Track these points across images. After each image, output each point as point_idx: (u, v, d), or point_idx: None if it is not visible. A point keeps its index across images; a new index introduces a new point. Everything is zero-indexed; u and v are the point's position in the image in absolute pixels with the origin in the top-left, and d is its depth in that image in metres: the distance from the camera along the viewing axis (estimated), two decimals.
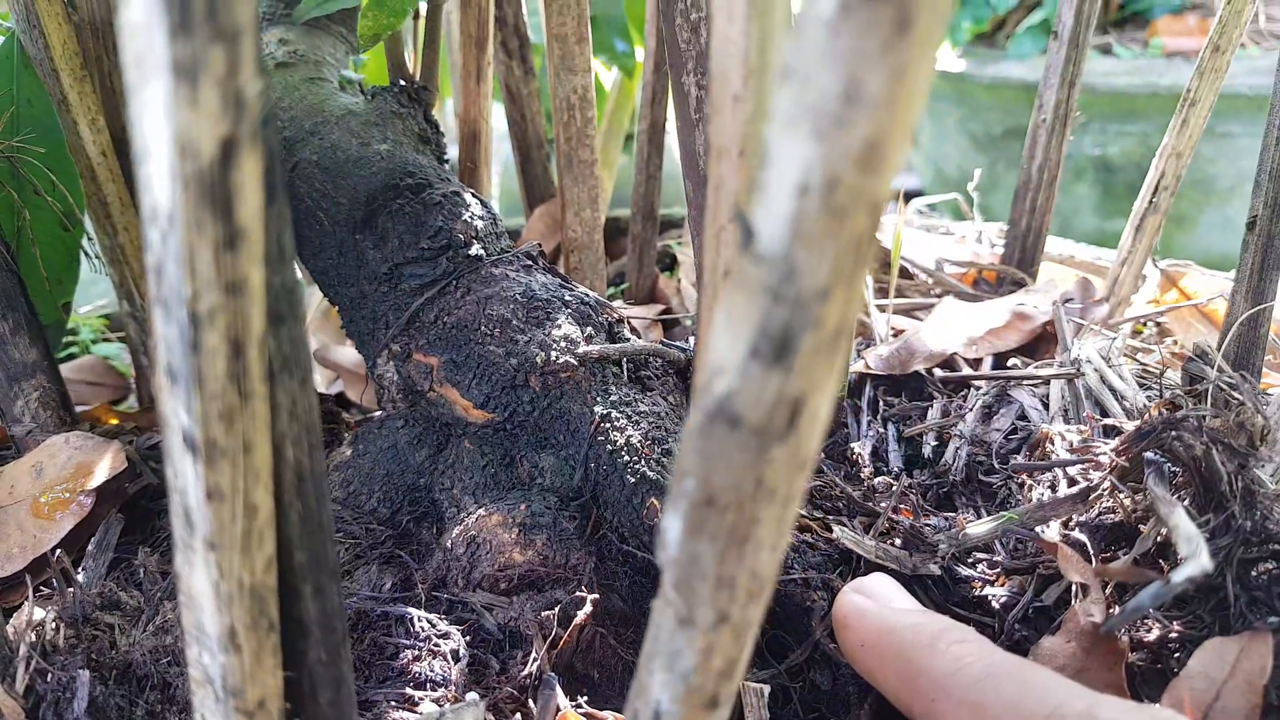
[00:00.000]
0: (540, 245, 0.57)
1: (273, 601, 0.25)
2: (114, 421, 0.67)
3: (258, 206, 0.19)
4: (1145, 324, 0.76)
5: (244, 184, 0.19)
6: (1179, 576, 0.28)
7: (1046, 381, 0.56)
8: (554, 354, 0.49)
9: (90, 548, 0.47)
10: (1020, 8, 2.17)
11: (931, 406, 0.57)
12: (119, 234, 0.62)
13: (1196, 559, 0.29)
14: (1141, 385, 0.54)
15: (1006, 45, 2.08)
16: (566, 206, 0.70)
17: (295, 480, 0.25)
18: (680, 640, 0.23)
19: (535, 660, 0.40)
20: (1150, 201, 0.68)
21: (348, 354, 0.77)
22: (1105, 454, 0.42)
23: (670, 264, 0.96)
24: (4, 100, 0.55)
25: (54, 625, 0.40)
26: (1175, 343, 0.74)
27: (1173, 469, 0.39)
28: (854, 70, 0.16)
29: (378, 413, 0.59)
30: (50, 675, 0.38)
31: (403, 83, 0.59)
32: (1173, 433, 0.38)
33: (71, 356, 0.77)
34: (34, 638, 0.39)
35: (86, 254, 0.59)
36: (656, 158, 0.79)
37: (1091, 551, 0.41)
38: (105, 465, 0.50)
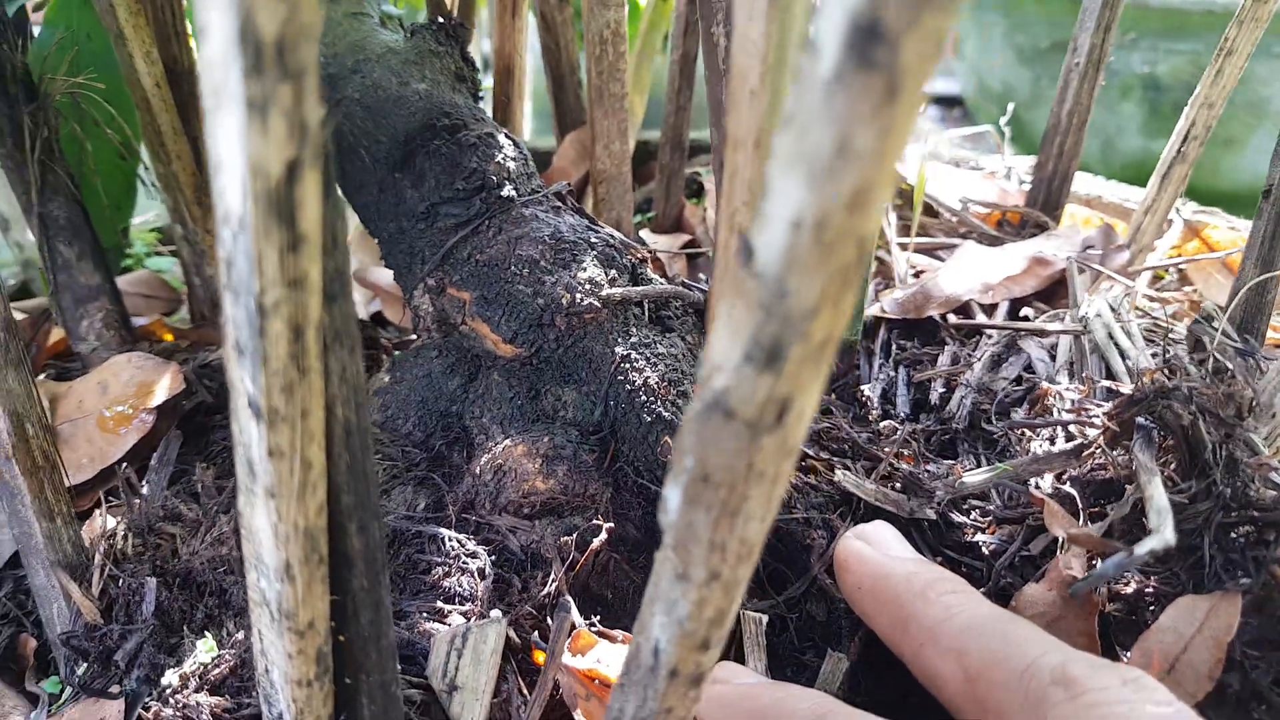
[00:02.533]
0: (570, 185, 0.58)
1: (323, 539, 0.28)
2: (169, 338, 0.70)
3: (317, 215, 0.22)
4: (1166, 271, 0.76)
5: (306, 198, 0.21)
6: (1142, 549, 0.31)
7: (1055, 335, 0.57)
8: (579, 296, 0.51)
9: (152, 462, 0.51)
10: None
11: (942, 353, 0.59)
12: (172, 161, 0.64)
13: (1161, 533, 0.31)
14: (1149, 341, 0.56)
15: None
16: (596, 139, 0.71)
17: (344, 435, 0.28)
18: (677, 591, 0.26)
19: (554, 581, 0.44)
20: (1179, 150, 0.68)
21: (385, 275, 0.80)
22: (1100, 416, 0.44)
23: (698, 191, 0.97)
24: (65, 38, 0.57)
25: (123, 535, 0.44)
26: (1195, 291, 0.74)
27: (1162, 434, 0.41)
28: (846, 128, 0.17)
29: (413, 338, 0.62)
30: (121, 580, 0.42)
31: (440, 19, 0.59)
32: (1163, 401, 0.40)
33: (126, 270, 0.80)
34: (106, 546, 0.43)
35: (143, 181, 0.62)
36: (687, 89, 0.79)
37: (1080, 505, 0.43)
38: (165, 384, 0.54)
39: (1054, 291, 0.70)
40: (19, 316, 0.71)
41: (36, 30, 0.60)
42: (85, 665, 0.40)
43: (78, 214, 0.57)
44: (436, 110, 0.55)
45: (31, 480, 0.40)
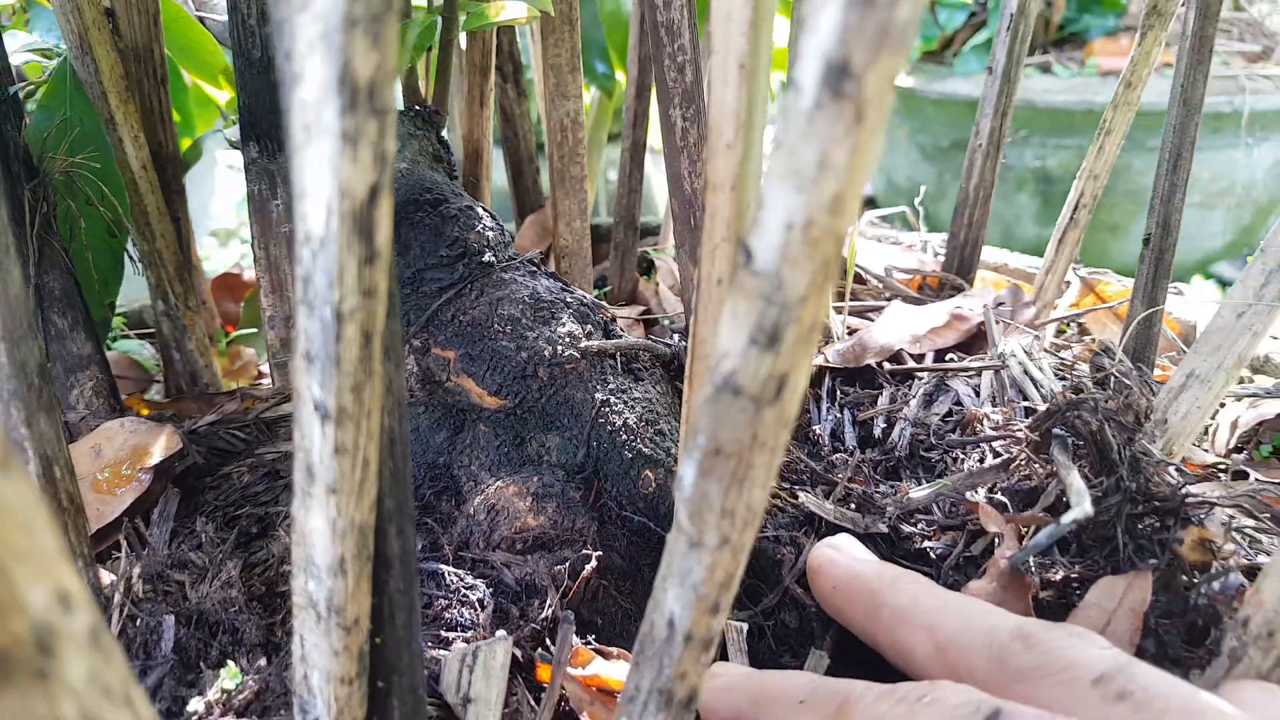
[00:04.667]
0: (542, 254, 0.63)
1: (371, 538, 0.31)
2: (146, 412, 0.72)
3: (388, 234, 0.26)
4: (1067, 325, 0.84)
5: (382, 218, 0.25)
6: (1067, 519, 0.36)
7: (978, 373, 0.63)
8: (560, 348, 0.55)
9: (154, 516, 0.53)
10: (966, 27, 2.27)
11: (881, 394, 0.64)
12: (157, 239, 0.67)
13: (1081, 506, 0.36)
14: (1058, 376, 0.62)
15: (953, 63, 2.17)
16: (559, 217, 0.76)
17: (389, 442, 0.31)
18: (691, 560, 0.30)
19: (550, 606, 0.47)
20: (1071, 218, 0.76)
21: None
22: (1022, 431, 0.50)
23: (647, 268, 1.03)
24: (59, 121, 0.60)
25: (135, 579, 0.46)
26: (1093, 340, 0.82)
27: (1075, 442, 0.47)
28: (825, 147, 0.22)
29: None
30: (139, 620, 0.44)
31: (417, 106, 0.64)
32: (1074, 412, 0.46)
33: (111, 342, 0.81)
34: (124, 588, 0.44)
35: (131, 257, 0.64)
36: (638, 173, 0.86)
37: (1010, 510, 0.48)
38: (161, 446, 0.56)
39: (971, 343, 0.77)
40: None
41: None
42: None
43: (71, 286, 0.59)
44: (418, 186, 0.60)
45: (57, 522, 0.41)
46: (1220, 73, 1.94)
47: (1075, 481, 0.39)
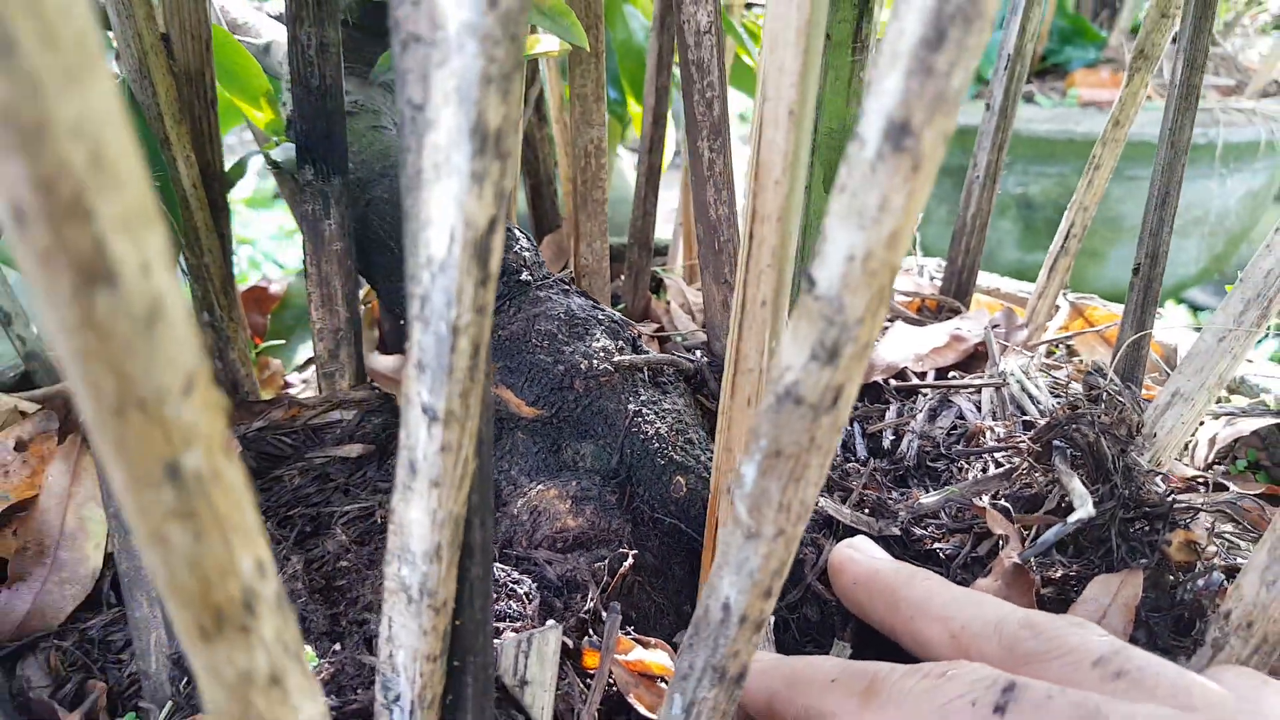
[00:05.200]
0: (572, 274, 0.67)
1: (461, 528, 0.35)
2: None
3: (499, 260, 0.29)
4: (1057, 346, 0.89)
5: (496, 246, 0.29)
6: (1072, 519, 0.40)
7: (979, 390, 0.67)
8: (595, 362, 0.59)
9: None
10: None
11: (889, 409, 0.68)
12: (205, 254, 0.70)
13: (1085, 508, 0.40)
14: (1053, 393, 0.67)
15: None
16: (580, 238, 0.80)
17: (477, 445, 0.35)
18: (748, 550, 0.33)
19: (591, 600, 0.50)
20: (1062, 246, 0.81)
21: (384, 361, 0.86)
22: (1024, 442, 0.54)
23: (657, 287, 1.07)
24: None
25: None
26: (1081, 360, 0.87)
27: (1073, 453, 0.51)
28: (885, 192, 0.26)
29: None
30: None
31: None
32: (1073, 425, 0.50)
33: None
34: None
35: (183, 271, 0.68)
36: (653, 196, 0.90)
37: (1013, 515, 0.52)
38: None
39: (970, 363, 0.81)
40: (29, 407, 0.74)
41: None
42: (188, 681, 0.44)
43: None
44: None
45: None
46: None
47: (1077, 486, 0.43)
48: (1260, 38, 2.38)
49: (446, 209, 0.28)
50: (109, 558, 0.56)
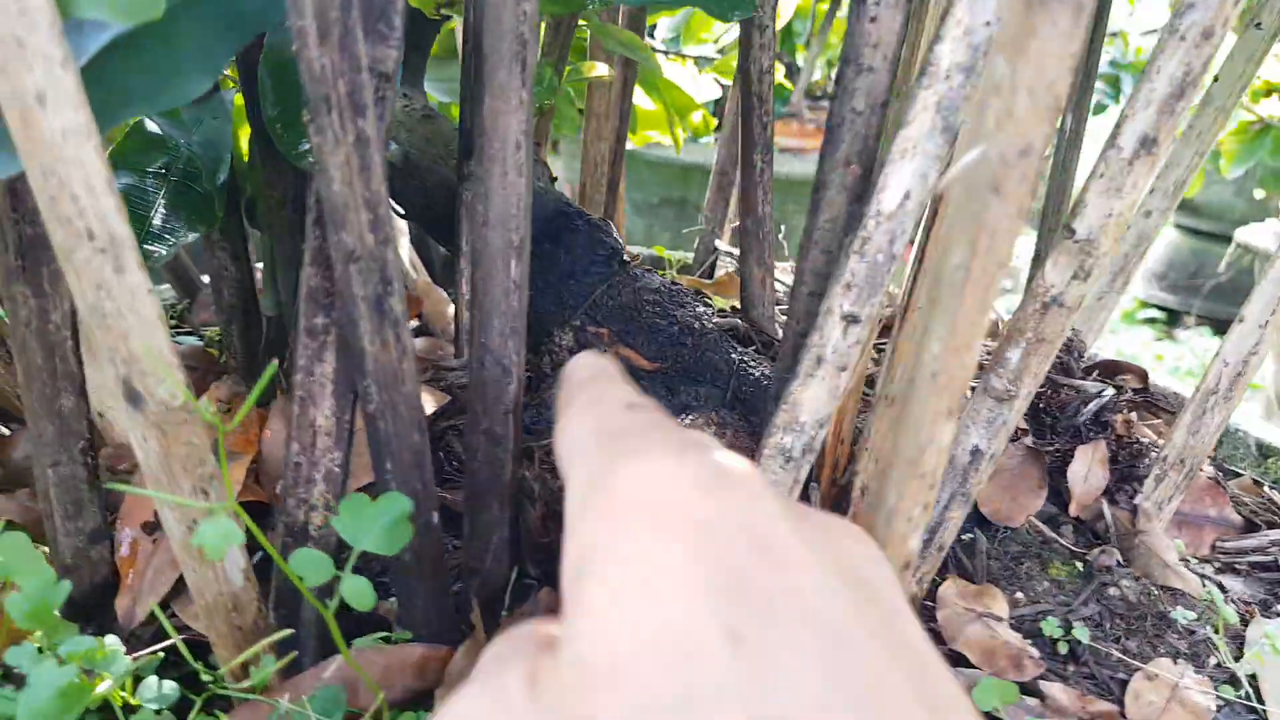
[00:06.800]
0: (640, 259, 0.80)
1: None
2: None
3: (928, 210, 0.45)
4: None
5: (923, 202, 0.44)
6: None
7: None
8: (703, 322, 0.73)
9: None
10: None
11: None
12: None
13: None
14: None
15: None
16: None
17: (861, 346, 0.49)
18: (1001, 409, 0.51)
19: None
20: None
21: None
22: None
23: None
24: None
25: None
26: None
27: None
28: (1135, 179, 0.46)
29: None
30: None
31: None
32: None
33: None
34: None
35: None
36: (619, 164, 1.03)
37: None
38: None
39: None
40: None
41: None
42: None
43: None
44: (560, 201, 0.74)
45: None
46: None
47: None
48: None
49: (903, 179, 0.43)
50: None
